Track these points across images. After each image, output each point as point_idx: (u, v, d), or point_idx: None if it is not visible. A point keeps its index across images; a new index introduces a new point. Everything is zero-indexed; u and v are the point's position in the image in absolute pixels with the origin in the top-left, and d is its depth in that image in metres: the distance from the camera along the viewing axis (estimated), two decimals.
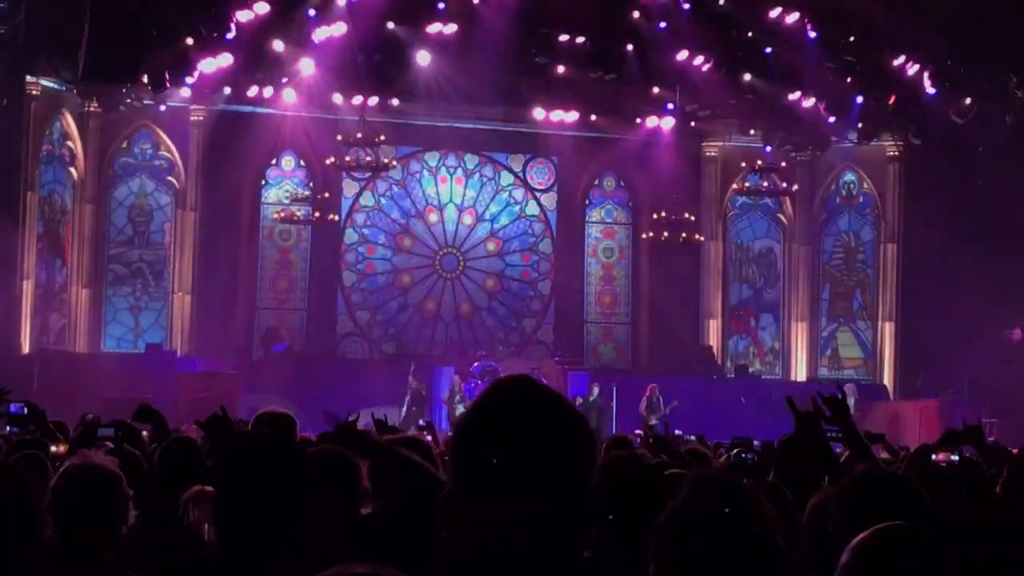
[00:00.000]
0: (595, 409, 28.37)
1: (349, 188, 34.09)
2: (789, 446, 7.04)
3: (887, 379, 33.15)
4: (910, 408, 30.02)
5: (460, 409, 29.07)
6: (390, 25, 29.27)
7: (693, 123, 32.90)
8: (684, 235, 33.29)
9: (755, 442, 12.32)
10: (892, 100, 31.06)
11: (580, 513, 2.56)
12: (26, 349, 28.18)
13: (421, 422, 22.87)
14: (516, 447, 2.53)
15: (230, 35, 27.63)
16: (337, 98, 30.93)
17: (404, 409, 28.65)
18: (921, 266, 32.41)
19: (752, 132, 33.42)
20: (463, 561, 2.56)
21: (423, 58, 29.97)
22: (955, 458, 9.82)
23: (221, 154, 31.67)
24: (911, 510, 4.02)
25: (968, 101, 30.54)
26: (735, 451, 10.96)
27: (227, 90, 30.19)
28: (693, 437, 16.90)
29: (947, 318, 30.92)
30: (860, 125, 32.37)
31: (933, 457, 9.03)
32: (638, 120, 32.90)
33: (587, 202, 35.87)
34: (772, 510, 3.49)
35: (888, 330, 33.56)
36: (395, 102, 31.25)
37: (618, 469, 5.21)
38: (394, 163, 32.74)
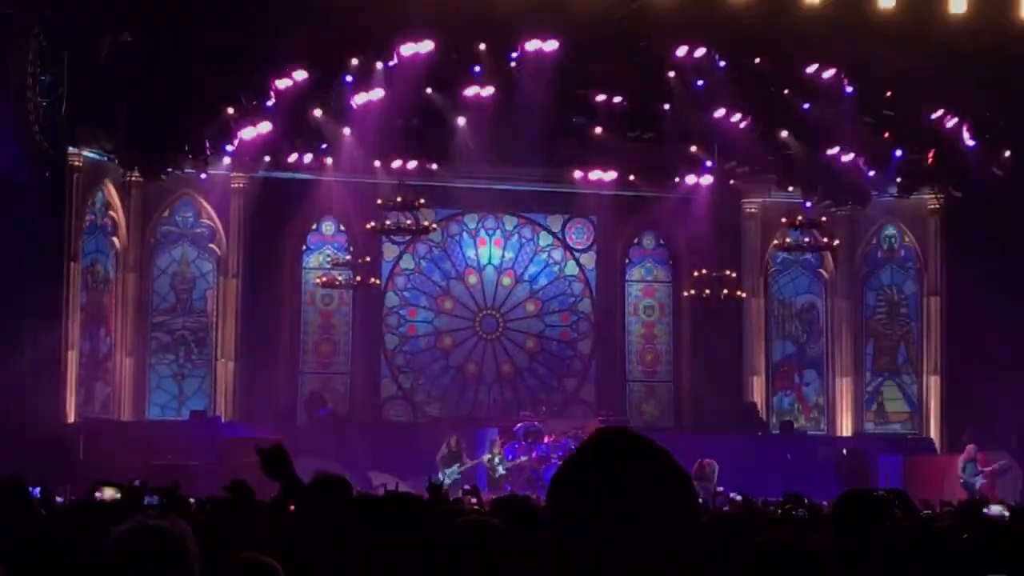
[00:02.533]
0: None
1: (389, 252, 34.21)
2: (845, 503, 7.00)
3: (933, 433, 32.89)
4: (957, 462, 29.72)
5: (500, 471, 28.92)
6: (427, 90, 29.45)
7: (732, 180, 32.89)
8: (725, 292, 33.21)
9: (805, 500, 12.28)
10: (931, 153, 31.00)
11: (680, 562, 2.56)
12: (71, 418, 28.27)
13: (467, 486, 22.80)
14: (620, 494, 2.53)
15: (270, 103, 27.88)
16: (376, 163, 31.13)
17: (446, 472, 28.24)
18: (965, 318, 32.21)
19: (791, 188, 33.35)
20: None
21: (461, 121, 30.14)
22: (1006, 513, 9.73)
23: (262, 221, 31.89)
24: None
25: (1008, 153, 30.42)
26: (787, 507, 10.90)
27: (267, 158, 30.44)
28: (739, 497, 16.84)
29: (993, 370, 30.72)
30: (900, 179, 32.32)
31: (985, 511, 8.94)
32: (676, 178, 32.94)
33: (627, 261, 35.84)
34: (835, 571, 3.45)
35: (933, 383, 33.32)
36: (434, 166, 31.42)
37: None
38: (433, 226, 32.85)
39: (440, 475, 27.64)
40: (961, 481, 28.32)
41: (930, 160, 31.30)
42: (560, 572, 2.55)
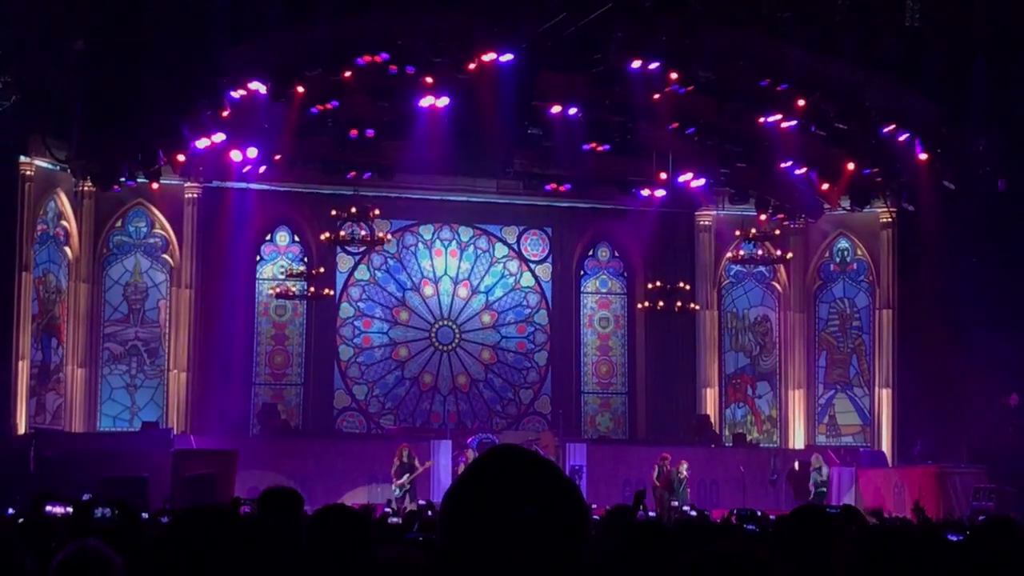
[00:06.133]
0: (677, 480, 28.02)
1: (344, 263, 34.14)
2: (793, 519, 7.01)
3: (885, 446, 33.04)
4: (909, 475, 29.91)
5: None
6: (383, 101, 29.40)
7: (686, 192, 33.00)
8: (679, 304, 33.31)
9: (758, 512, 12.33)
10: (884, 167, 31.17)
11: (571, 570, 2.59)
12: (22, 429, 28.04)
13: (422, 501, 22.72)
14: (510, 506, 2.57)
15: (224, 113, 27.76)
16: (330, 173, 31.06)
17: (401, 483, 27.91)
18: (917, 332, 32.40)
19: (745, 201, 33.50)
20: None
21: (416, 132, 30.08)
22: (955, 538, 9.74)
23: (215, 231, 31.76)
24: None
25: (960, 166, 30.62)
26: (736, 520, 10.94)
27: (221, 166, 30.25)
28: (693, 511, 16.88)
29: (944, 384, 30.90)
30: (852, 192, 32.48)
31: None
32: (631, 190, 33.01)
33: (582, 273, 35.92)
34: None
35: (885, 396, 33.47)
36: (389, 176, 31.37)
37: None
38: (388, 237, 32.85)
39: (394, 488, 27.51)
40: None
41: (882, 173, 31.42)
42: None
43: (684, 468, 28.15)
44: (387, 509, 19.65)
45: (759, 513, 14.95)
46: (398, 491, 27.35)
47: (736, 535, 10.21)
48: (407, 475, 27.61)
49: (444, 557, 2.59)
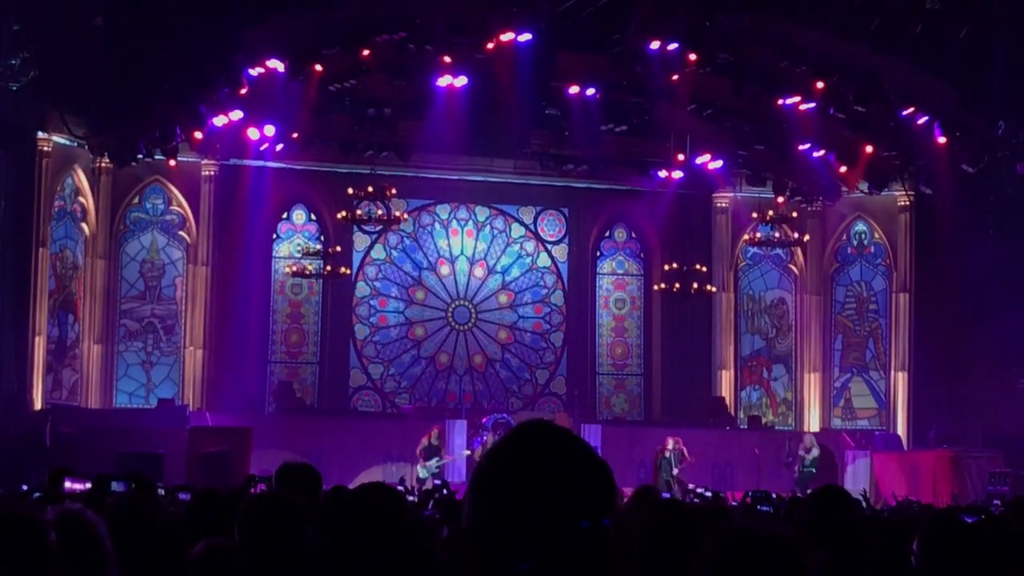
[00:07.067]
0: (663, 459, 28.02)
1: (360, 241, 34.14)
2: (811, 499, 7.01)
3: (900, 429, 33.00)
4: (924, 459, 29.88)
5: None
6: (401, 80, 29.38)
7: (703, 174, 32.93)
8: (695, 286, 33.25)
9: (772, 495, 12.34)
10: (902, 150, 31.07)
11: (597, 551, 2.57)
12: (38, 405, 28.12)
13: (436, 482, 22.79)
14: (540, 482, 2.55)
15: (242, 91, 27.75)
16: (347, 151, 31.05)
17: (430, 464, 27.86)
18: (933, 316, 32.33)
19: (763, 183, 33.44)
20: None
21: (433, 111, 30.06)
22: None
23: (232, 208, 31.78)
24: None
25: (978, 150, 30.52)
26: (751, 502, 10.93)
27: (238, 144, 30.26)
28: (708, 492, 16.90)
29: (960, 368, 30.86)
30: (870, 175, 32.37)
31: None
32: (649, 171, 32.97)
33: (598, 253, 35.89)
34: (814, 561, 3.41)
35: (901, 380, 33.42)
36: (406, 156, 31.36)
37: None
38: (405, 216, 32.82)
39: (419, 468, 27.59)
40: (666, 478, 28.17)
41: (900, 157, 31.32)
42: (478, 562, 2.56)
43: (671, 444, 28.08)
44: (400, 488, 19.65)
45: (774, 495, 14.95)
46: (423, 471, 27.39)
47: (752, 516, 10.20)
48: (435, 459, 27.68)
49: (472, 529, 2.58)
